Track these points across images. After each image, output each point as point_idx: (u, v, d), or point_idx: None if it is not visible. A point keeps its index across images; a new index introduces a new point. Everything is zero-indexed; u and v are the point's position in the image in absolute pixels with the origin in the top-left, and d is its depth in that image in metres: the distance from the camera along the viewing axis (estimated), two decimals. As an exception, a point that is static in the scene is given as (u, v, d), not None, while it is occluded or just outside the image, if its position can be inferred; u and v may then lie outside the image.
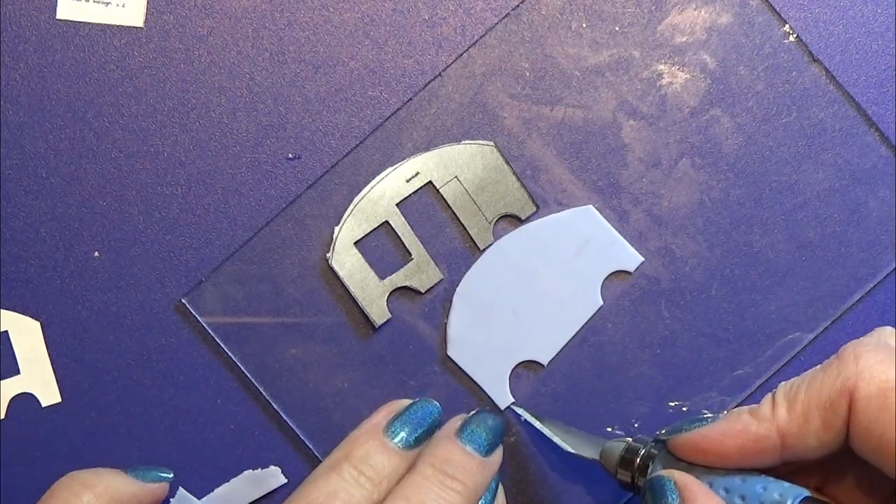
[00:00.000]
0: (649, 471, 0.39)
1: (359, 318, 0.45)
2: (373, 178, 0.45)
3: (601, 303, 0.45)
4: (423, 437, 0.40)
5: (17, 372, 0.45)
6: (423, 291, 0.45)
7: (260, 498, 0.45)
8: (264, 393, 0.45)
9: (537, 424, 0.43)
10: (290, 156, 0.45)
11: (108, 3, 0.45)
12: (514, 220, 0.45)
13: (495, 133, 0.45)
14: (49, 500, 0.39)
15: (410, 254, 0.45)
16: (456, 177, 0.45)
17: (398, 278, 0.45)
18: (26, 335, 0.45)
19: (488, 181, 0.45)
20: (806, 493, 0.35)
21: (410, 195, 0.45)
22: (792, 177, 0.45)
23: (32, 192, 0.45)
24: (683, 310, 0.44)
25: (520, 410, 0.44)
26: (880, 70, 0.45)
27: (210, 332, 0.45)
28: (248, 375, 0.45)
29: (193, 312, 0.45)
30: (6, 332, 0.45)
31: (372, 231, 0.45)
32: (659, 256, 0.45)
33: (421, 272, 0.45)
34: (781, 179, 0.45)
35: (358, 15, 0.45)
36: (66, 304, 0.45)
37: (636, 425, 0.44)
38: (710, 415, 0.38)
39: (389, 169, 0.45)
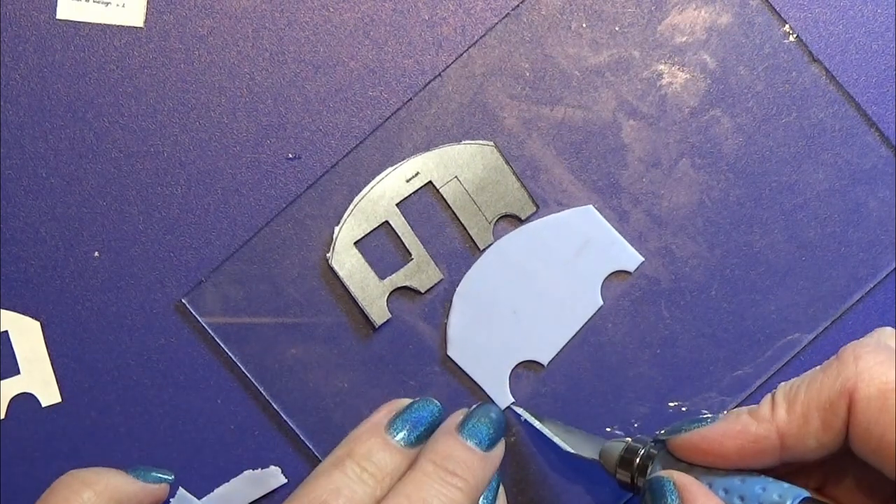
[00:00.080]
0: (648, 471, 0.39)
1: (359, 318, 0.45)
2: (373, 178, 0.45)
3: (601, 303, 0.45)
4: (423, 436, 0.40)
5: (17, 372, 0.45)
6: (423, 291, 0.45)
7: (260, 498, 0.45)
8: (264, 393, 0.45)
9: (537, 424, 0.43)
10: (290, 156, 0.45)
11: (108, 3, 0.45)
12: (514, 220, 0.45)
13: (495, 133, 0.45)
14: (49, 498, 0.39)
15: (410, 254, 0.45)
16: (456, 177, 0.45)
17: (398, 278, 0.45)
18: (26, 335, 0.45)
19: (488, 181, 0.45)
20: (805, 493, 0.35)
21: (410, 195, 0.45)
22: (792, 177, 0.45)
23: (32, 192, 0.45)
24: (683, 310, 0.44)
25: (519, 410, 0.44)
26: (880, 70, 0.45)
27: (210, 332, 0.45)
28: (248, 375, 0.45)
29: (193, 312, 0.45)
30: (6, 332, 0.45)
31: (372, 231, 0.45)
32: (659, 256, 0.45)
33: (421, 272, 0.45)
34: (781, 179, 0.45)
35: (358, 15, 0.45)
36: (66, 304, 0.45)
37: (636, 425, 0.44)
38: (709, 415, 0.38)
39: (389, 169, 0.45)
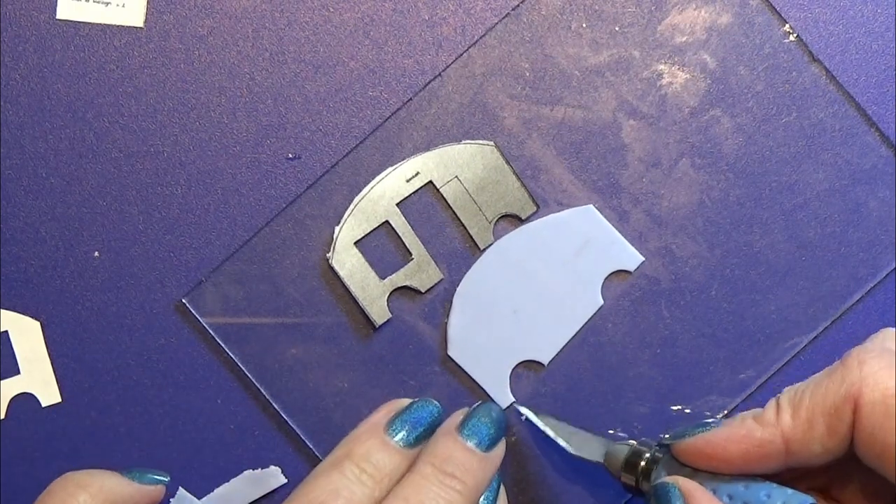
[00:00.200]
0: (653, 476, 0.39)
1: (359, 318, 0.45)
2: (373, 178, 0.45)
3: (601, 303, 0.45)
4: (423, 436, 0.40)
5: (17, 372, 0.45)
6: (423, 291, 0.45)
7: (260, 498, 0.45)
8: (264, 393, 0.45)
9: (540, 424, 0.43)
10: (290, 156, 0.45)
11: (108, 3, 0.45)
12: (515, 220, 0.45)
13: (495, 133, 0.45)
14: (45, 500, 0.39)
15: (411, 254, 0.45)
16: (456, 177, 0.45)
17: (398, 278, 0.45)
18: (26, 335, 0.45)
19: (488, 181, 0.45)
20: (810, 500, 0.35)
21: (410, 195, 0.45)
22: (792, 177, 0.45)
23: (32, 192, 0.45)
24: (683, 310, 0.44)
25: (523, 409, 0.44)
26: (880, 70, 0.45)
27: (210, 332, 0.45)
28: (248, 375, 0.45)
29: (193, 312, 0.45)
30: (6, 332, 0.45)
31: (372, 231, 0.45)
32: (659, 256, 0.45)
33: (421, 272, 0.45)
34: (781, 179, 0.45)
35: (358, 15, 0.45)
36: (66, 304, 0.45)
37: (636, 426, 0.44)
38: (713, 419, 0.38)
39: (389, 169, 0.45)
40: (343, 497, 0.37)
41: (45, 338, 0.45)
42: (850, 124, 0.44)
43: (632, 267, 0.45)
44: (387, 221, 0.45)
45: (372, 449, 0.39)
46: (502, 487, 0.42)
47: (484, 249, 0.45)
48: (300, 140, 0.45)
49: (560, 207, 0.45)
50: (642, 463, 0.39)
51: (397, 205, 0.45)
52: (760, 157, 0.45)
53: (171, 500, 0.44)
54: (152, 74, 0.45)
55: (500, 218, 0.45)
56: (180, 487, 0.44)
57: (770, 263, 0.44)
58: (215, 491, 0.45)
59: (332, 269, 0.44)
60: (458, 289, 0.45)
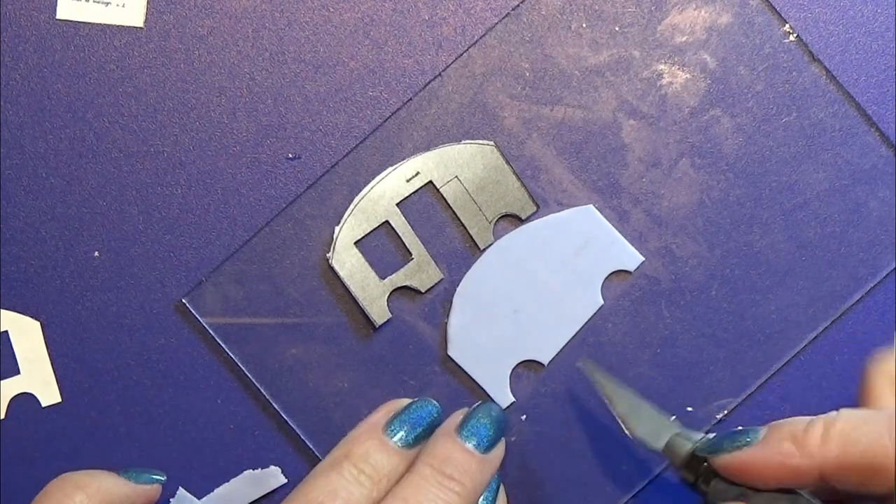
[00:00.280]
0: (712, 484, 0.37)
1: (359, 318, 0.45)
2: (373, 178, 0.45)
3: (601, 302, 0.45)
4: (421, 437, 0.40)
5: (17, 372, 0.45)
6: (423, 291, 0.45)
7: (260, 498, 0.45)
8: (264, 393, 0.45)
9: (600, 387, 0.41)
10: (290, 156, 0.45)
11: (108, 3, 0.45)
12: (515, 220, 0.45)
13: (495, 133, 0.45)
14: (42, 501, 0.39)
15: (411, 253, 0.45)
16: (456, 177, 0.45)
17: (398, 278, 0.45)
18: (26, 335, 0.45)
19: (488, 181, 0.45)
20: None
21: (411, 195, 0.45)
22: (792, 177, 0.45)
23: (32, 192, 0.45)
24: (683, 310, 0.44)
25: (583, 364, 0.42)
26: (880, 70, 0.45)
27: (210, 332, 0.45)
28: (249, 375, 0.45)
29: (193, 312, 0.45)
30: (6, 332, 0.45)
31: (372, 231, 0.45)
32: (659, 256, 0.45)
33: (421, 272, 0.45)
34: (781, 179, 0.45)
35: (358, 15, 0.45)
36: (66, 304, 0.45)
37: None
38: (747, 429, 0.36)
39: (389, 169, 0.45)
40: (341, 498, 0.37)
41: (45, 338, 0.45)
42: (850, 124, 0.44)
43: (632, 267, 0.45)
44: (387, 221, 0.45)
45: (370, 449, 0.39)
46: (502, 487, 0.42)
47: (484, 249, 0.45)
48: (300, 140, 0.45)
49: (560, 207, 0.45)
50: (705, 463, 0.37)
51: (397, 205, 0.45)
52: (760, 157, 0.45)
53: (171, 500, 0.44)
54: (152, 74, 0.45)
55: (500, 218, 0.45)
56: (180, 487, 0.44)
57: (770, 263, 0.44)
58: (215, 491, 0.45)
59: (332, 269, 0.44)
60: (458, 289, 0.45)
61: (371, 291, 0.44)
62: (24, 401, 0.45)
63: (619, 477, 0.44)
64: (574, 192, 0.45)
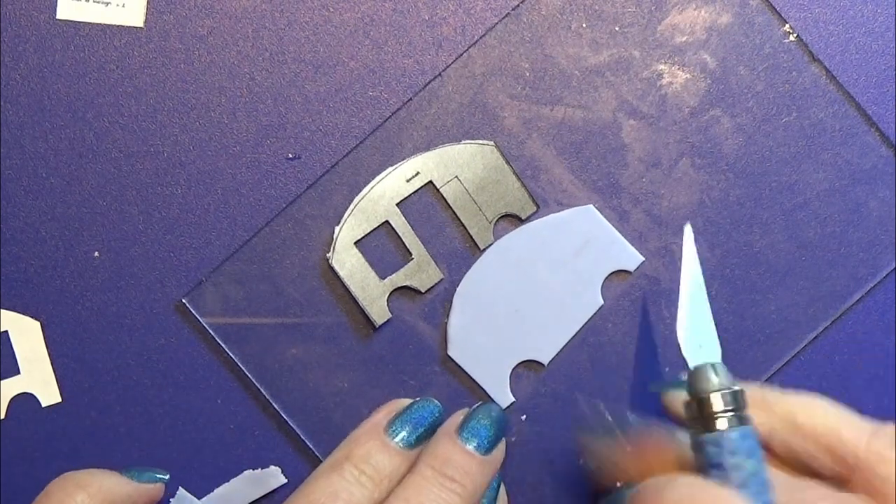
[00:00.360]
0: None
1: (359, 318, 0.45)
2: (373, 178, 0.45)
3: (601, 302, 0.45)
4: (423, 437, 0.40)
5: (17, 372, 0.45)
6: (423, 291, 0.45)
7: (260, 498, 0.45)
8: (264, 393, 0.45)
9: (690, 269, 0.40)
10: (290, 156, 0.45)
11: (108, 3, 0.45)
12: (515, 220, 0.45)
13: (495, 133, 0.45)
14: (43, 501, 0.39)
15: (411, 253, 0.45)
16: (456, 177, 0.45)
17: (398, 278, 0.45)
18: (26, 335, 0.45)
19: (488, 181, 0.45)
20: None
21: (411, 195, 0.45)
22: (792, 177, 0.45)
23: (32, 192, 0.45)
24: (683, 310, 0.44)
25: (688, 230, 0.41)
26: (880, 70, 0.45)
27: (210, 332, 0.45)
28: (248, 375, 0.45)
29: (193, 312, 0.45)
30: (6, 332, 0.45)
31: (372, 231, 0.45)
32: (659, 256, 0.45)
33: (421, 272, 0.45)
34: (781, 179, 0.45)
35: (358, 15, 0.45)
36: (66, 304, 0.45)
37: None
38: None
39: (389, 169, 0.45)
40: (342, 499, 0.37)
41: (45, 338, 0.45)
42: (850, 124, 0.44)
43: (632, 267, 0.45)
44: (387, 221, 0.45)
45: (372, 450, 0.39)
46: (502, 487, 0.42)
47: (484, 249, 0.45)
48: (300, 140, 0.45)
49: (560, 207, 0.45)
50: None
51: (397, 205, 0.45)
52: (760, 157, 0.45)
53: (171, 500, 0.44)
54: (152, 74, 0.45)
55: (500, 218, 0.45)
56: (180, 487, 0.44)
57: (770, 263, 0.44)
58: (215, 491, 0.45)
59: (332, 269, 0.44)
60: (458, 289, 0.45)
61: (371, 291, 0.44)
62: (24, 401, 0.45)
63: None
64: (574, 192, 0.45)
